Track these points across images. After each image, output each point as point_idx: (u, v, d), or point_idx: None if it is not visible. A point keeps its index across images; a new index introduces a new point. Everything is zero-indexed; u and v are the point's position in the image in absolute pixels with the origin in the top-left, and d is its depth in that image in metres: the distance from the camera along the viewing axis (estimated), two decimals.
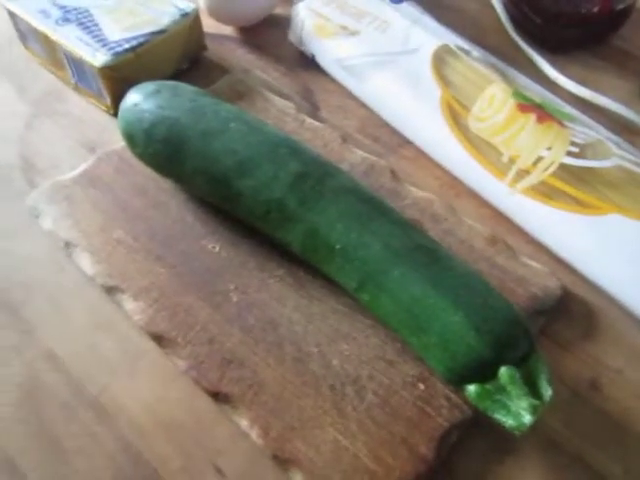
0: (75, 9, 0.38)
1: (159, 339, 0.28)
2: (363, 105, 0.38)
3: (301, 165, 0.28)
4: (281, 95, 0.38)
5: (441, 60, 0.35)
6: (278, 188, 0.27)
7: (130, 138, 0.31)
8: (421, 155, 0.35)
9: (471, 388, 0.22)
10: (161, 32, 0.37)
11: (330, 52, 0.38)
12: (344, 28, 0.38)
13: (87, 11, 0.38)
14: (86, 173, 0.33)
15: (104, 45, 0.35)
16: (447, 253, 0.25)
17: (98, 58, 0.35)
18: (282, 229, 0.28)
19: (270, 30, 0.43)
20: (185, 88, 0.31)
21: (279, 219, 0.27)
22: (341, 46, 0.38)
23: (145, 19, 0.37)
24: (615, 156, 0.30)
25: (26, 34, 0.39)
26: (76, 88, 0.39)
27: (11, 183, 0.35)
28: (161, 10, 0.38)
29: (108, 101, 0.37)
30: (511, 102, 0.32)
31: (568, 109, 0.34)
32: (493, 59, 0.37)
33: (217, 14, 0.42)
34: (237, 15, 0.42)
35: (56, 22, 0.37)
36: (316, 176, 0.27)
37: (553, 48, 0.41)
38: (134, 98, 0.30)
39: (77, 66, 0.37)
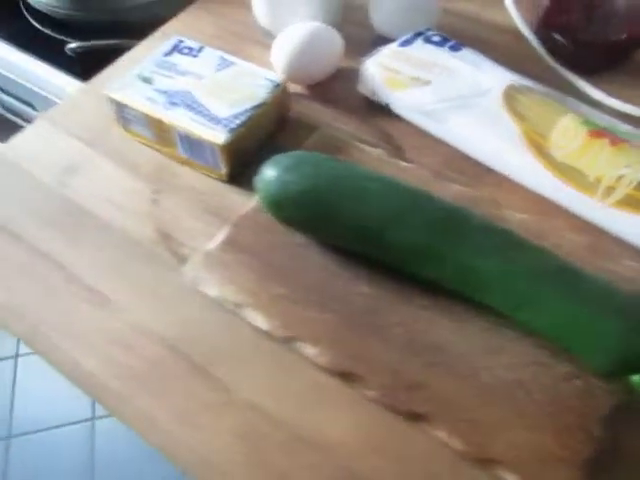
0: (177, 93, 0.42)
1: (345, 376, 0.32)
2: (442, 143, 0.43)
3: (440, 210, 0.33)
4: (367, 143, 0.43)
5: (511, 98, 0.41)
6: (426, 233, 0.32)
7: (276, 206, 0.35)
8: (505, 180, 0.41)
9: (635, 378, 0.28)
10: (261, 105, 0.41)
11: (406, 101, 0.43)
12: (416, 79, 0.43)
13: (189, 93, 0.42)
14: (229, 239, 0.38)
15: (217, 123, 0.40)
16: (578, 268, 0.31)
17: (218, 137, 0.39)
18: (432, 267, 0.33)
19: (336, 84, 0.48)
20: (316, 156, 0.36)
21: (429, 259, 0.33)
22: (417, 95, 0.43)
23: (244, 94, 0.41)
24: None
25: (131, 119, 0.43)
26: (186, 162, 0.43)
27: (158, 257, 0.39)
28: (255, 84, 0.42)
29: (223, 171, 0.41)
30: (583, 130, 0.38)
31: (627, 128, 0.41)
32: (552, 91, 0.43)
33: (291, 75, 0.46)
34: (310, 74, 0.47)
35: (164, 107, 0.41)
36: (455, 217, 0.33)
37: (585, 71, 0.48)
38: (275, 171, 0.35)
39: (191, 144, 0.41)
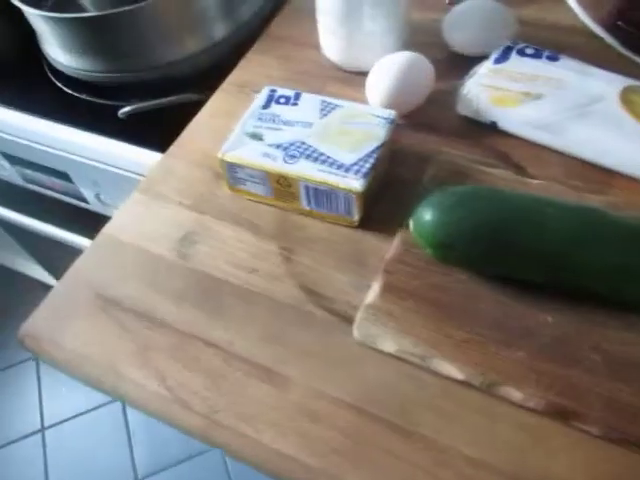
0: (291, 144, 0.40)
1: (558, 415, 0.31)
2: (559, 154, 0.43)
3: (622, 227, 0.32)
4: (486, 164, 0.43)
5: (629, 100, 0.41)
6: (621, 251, 0.31)
7: (447, 246, 0.34)
8: (633, 182, 0.41)
9: None
10: (383, 144, 0.40)
11: (519, 116, 0.43)
12: (527, 94, 0.43)
13: (303, 143, 0.40)
14: (387, 288, 0.36)
15: (347, 170, 0.38)
16: None
17: (354, 184, 0.38)
18: (624, 288, 0.32)
19: (431, 108, 0.47)
20: (475, 189, 0.35)
21: (621, 281, 0.32)
22: (531, 110, 0.42)
23: (362, 136, 0.40)
24: None
25: (245, 179, 0.41)
26: (308, 213, 0.41)
27: (312, 317, 0.37)
28: (369, 123, 0.41)
29: (356, 218, 0.40)
30: None
31: None
32: None
33: (390, 106, 0.45)
34: (408, 102, 0.46)
35: (284, 161, 0.39)
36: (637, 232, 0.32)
37: None
38: (439, 212, 0.34)
39: (319, 195, 0.39)
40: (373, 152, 0.39)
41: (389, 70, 0.45)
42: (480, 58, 0.48)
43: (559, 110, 0.41)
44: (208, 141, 0.48)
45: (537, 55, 0.45)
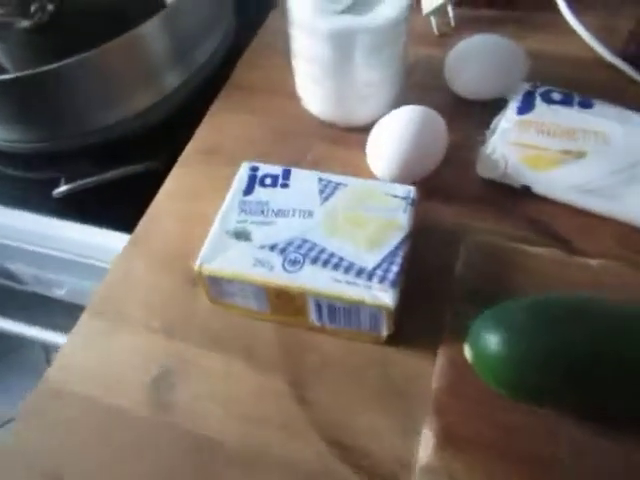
0: (289, 244, 0.31)
1: None
2: (607, 220, 0.36)
3: None
4: (527, 241, 0.35)
5: None
6: None
7: (524, 386, 0.26)
8: None
9: None
10: (407, 236, 0.31)
11: (561, 180, 0.35)
12: (567, 153, 0.35)
13: (305, 241, 0.31)
14: (442, 437, 0.27)
15: (370, 277, 0.29)
16: None
17: (383, 298, 0.29)
18: None
19: (445, 172, 0.39)
20: (544, 300, 0.27)
21: None
22: (574, 172, 0.35)
23: (379, 226, 0.31)
24: None
25: (233, 292, 0.32)
26: (319, 330, 0.32)
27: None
28: (384, 206, 0.32)
29: (385, 334, 0.31)
30: None
31: None
32: None
33: (400, 176, 0.36)
34: (421, 169, 0.37)
35: (284, 268, 0.30)
36: None
37: None
38: (507, 340, 0.25)
39: (335, 310, 0.30)
40: (398, 248, 0.31)
41: (396, 131, 0.36)
42: (491, 104, 0.41)
43: (608, 172, 0.34)
44: (174, 233, 0.38)
45: (567, 101, 0.38)
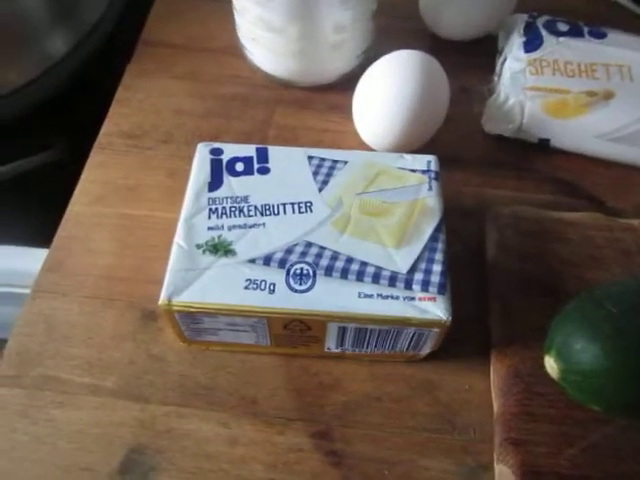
0: (290, 252, 0.22)
1: None
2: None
3: None
4: (561, 207, 0.29)
5: None
6: None
7: (630, 394, 0.20)
8: None
9: None
10: (442, 220, 0.24)
11: (588, 129, 0.29)
12: (592, 94, 0.29)
13: (310, 244, 0.23)
14: (525, 475, 0.21)
15: (407, 284, 0.21)
16: None
17: (434, 310, 0.21)
18: None
19: (447, 131, 0.31)
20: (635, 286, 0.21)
21: None
22: (603, 117, 0.29)
23: (404, 213, 0.23)
24: None
25: (214, 328, 0.22)
26: (339, 355, 0.24)
27: None
28: (404, 186, 0.24)
29: (426, 352, 0.23)
30: None
31: None
32: None
33: (400, 147, 0.29)
34: (424, 132, 0.29)
35: (290, 287, 0.21)
36: None
37: None
38: (611, 345, 0.19)
39: (365, 334, 0.22)
40: (435, 239, 0.23)
41: (392, 85, 0.28)
42: (478, 43, 0.34)
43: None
44: (109, 250, 0.28)
45: (576, 32, 0.31)
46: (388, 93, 0.28)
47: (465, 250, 0.27)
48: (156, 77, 0.35)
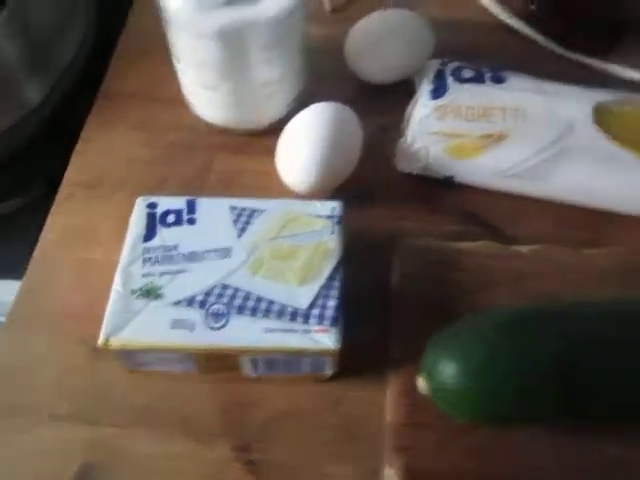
0: (208, 294, 0.26)
1: None
2: (536, 202, 0.34)
3: None
4: (460, 237, 0.33)
5: (606, 123, 0.33)
6: None
7: (491, 415, 0.24)
8: (634, 220, 0.34)
9: None
10: (340, 261, 0.28)
11: (485, 168, 0.33)
12: (487, 137, 0.33)
13: (226, 287, 0.26)
14: (409, 476, 0.25)
15: (306, 318, 0.26)
16: None
17: (324, 342, 0.25)
18: None
19: (363, 169, 0.35)
20: (499, 318, 0.25)
21: None
22: (497, 156, 0.33)
23: (308, 255, 0.27)
24: None
25: (149, 362, 0.27)
26: (259, 379, 0.28)
27: None
28: (310, 230, 0.28)
29: (329, 373, 0.28)
30: None
31: None
32: (632, 94, 0.35)
33: (317, 183, 0.33)
34: (339, 174, 0.33)
35: (208, 326, 0.25)
36: None
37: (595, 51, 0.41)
38: (468, 373, 0.23)
39: (272, 362, 0.26)
40: (332, 278, 0.27)
41: (307, 137, 0.32)
42: (401, 86, 0.38)
43: (533, 152, 0.32)
44: (70, 289, 0.32)
45: (478, 78, 0.35)
46: (304, 141, 0.32)
47: (374, 280, 0.31)
48: (113, 128, 0.39)
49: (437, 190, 0.35)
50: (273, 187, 0.35)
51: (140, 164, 0.37)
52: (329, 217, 0.29)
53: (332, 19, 0.45)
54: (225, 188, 0.36)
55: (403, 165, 0.35)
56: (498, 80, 0.35)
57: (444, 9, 0.44)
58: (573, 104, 0.33)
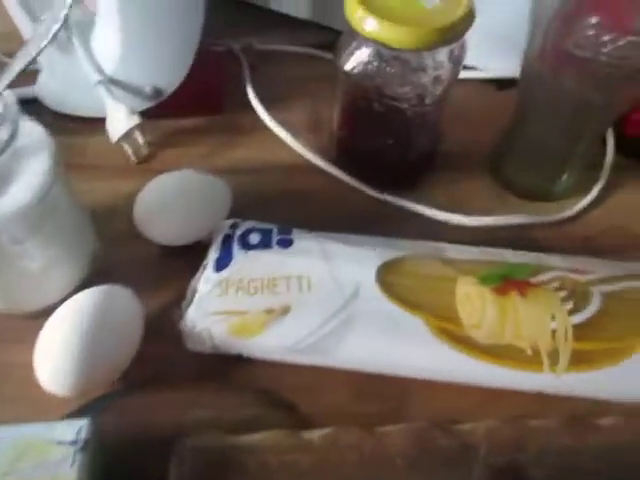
0: None
1: None
2: (335, 372, 0.32)
3: None
4: (247, 426, 0.30)
5: (390, 284, 0.32)
6: None
7: None
8: (439, 386, 0.32)
9: None
10: None
11: (271, 344, 0.31)
12: (270, 312, 0.31)
13: None
14: None
15: None
16: None
17: None
18: None
19: (150, 358, 0.32)
20: None
21: None
22: (280, 333, 0.31)
23: None
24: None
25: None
26: None
27: None
28: (46, 462, 0.24)
29: None
30: (486, 292, 0.32)
31: (508, 255, 0.35)
32: (418, 244, 0.35)
33: (75, 392, 0.29)
34: (107, 374, 0.30)
35: None
36: None
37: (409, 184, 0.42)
38: None
39: None
40: None
41: (63, 334, 0.29)
42: (195, 249, 0.36)
43: (316, 325, 0.31)
44: None
45: (265, 242, 0.33)
46: (60, 337, 0.29)
47: None
48: None
49: (230, 367, 0.32)
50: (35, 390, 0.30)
51: None
52: (71, 443, 0.25)
53: (139, 170, 0.43)
54: None
55: (190, 345, 0.32)
56: (285, 244, 0.34)
57: (254, 148, 0.45)
58: (357, 268, 0.32)
